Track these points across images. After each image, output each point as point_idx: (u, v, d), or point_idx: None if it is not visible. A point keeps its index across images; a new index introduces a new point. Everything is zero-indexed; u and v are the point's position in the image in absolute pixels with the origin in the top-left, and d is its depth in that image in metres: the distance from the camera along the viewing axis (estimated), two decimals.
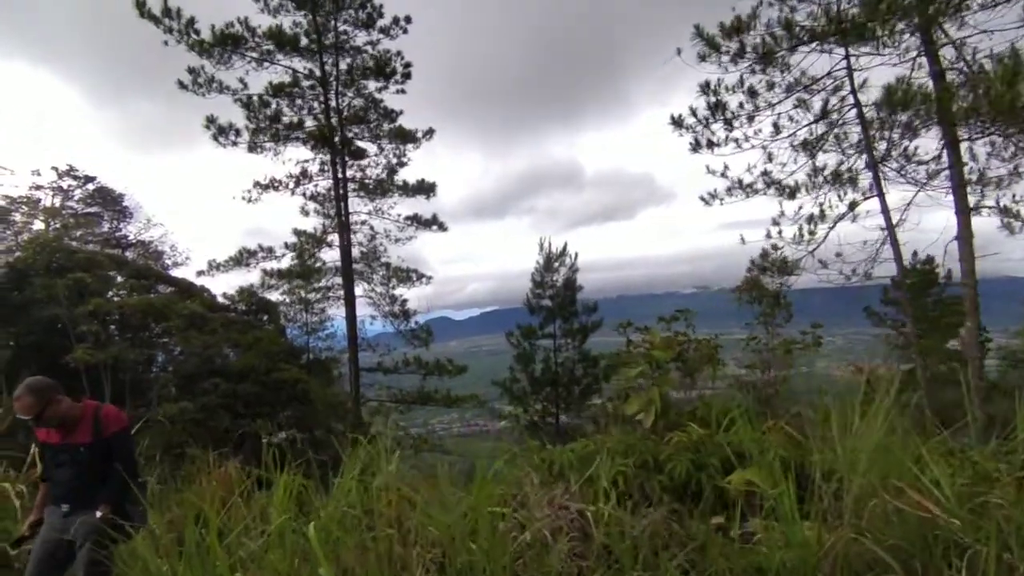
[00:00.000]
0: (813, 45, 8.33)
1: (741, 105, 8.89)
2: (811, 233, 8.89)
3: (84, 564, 3.01)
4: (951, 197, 8.42)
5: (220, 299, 21.28)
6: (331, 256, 18.19)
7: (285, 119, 16.11)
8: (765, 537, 2.69)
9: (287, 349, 21.02)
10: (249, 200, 16.95)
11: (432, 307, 19.35)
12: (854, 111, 8.54)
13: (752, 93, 8.86)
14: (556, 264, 17.99)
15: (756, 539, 3.10)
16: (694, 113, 8.99)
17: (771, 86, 8.72)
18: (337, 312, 20.19)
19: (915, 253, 17.50)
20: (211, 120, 15.15)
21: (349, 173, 17.79)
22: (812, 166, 8.89)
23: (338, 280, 18.75)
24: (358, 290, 17.76)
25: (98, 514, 3.05)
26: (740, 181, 9.25)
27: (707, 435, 4.75)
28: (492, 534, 2.80)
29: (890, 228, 8.33)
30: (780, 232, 9.37)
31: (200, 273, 16.88)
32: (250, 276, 18.74)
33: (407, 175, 18.25)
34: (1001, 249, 8.01)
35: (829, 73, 8.56)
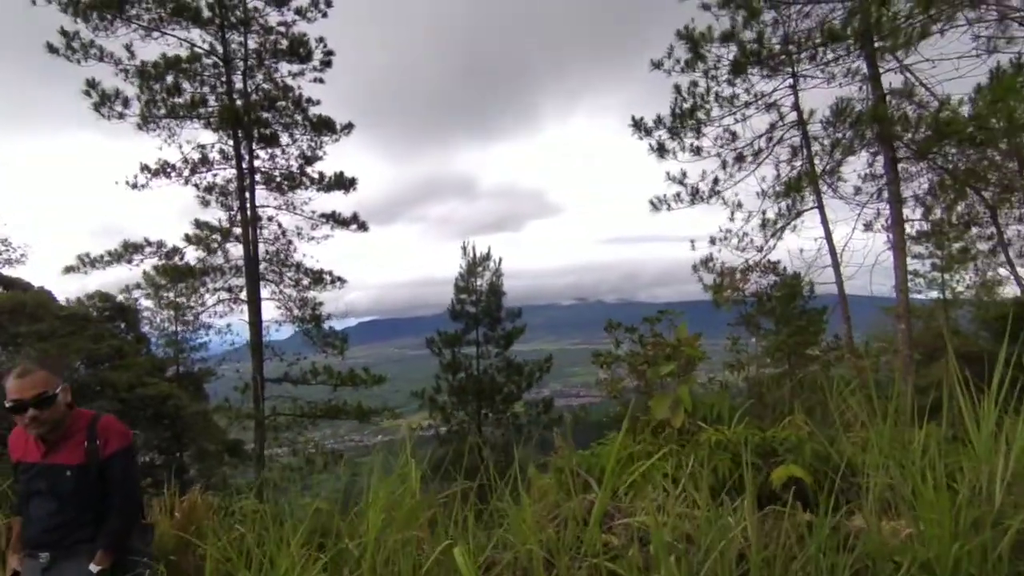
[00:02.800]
0: (762, 66, 8.83)
1: (692, 115, 9.19)
2: (762, 240, 9.37)
3: None
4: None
5: (64, 303, 18.29)
6: (232, 255, 16.35)
7: (186, 94, 14.24)
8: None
9: (151, 361, 18.59)
10: (135, 186, 14.72)
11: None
12: (796, 129, 9.17)
13: (702, 104, 9.20)
14: (480, 269, 17.62)
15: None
16: (659, 120, 9.16)
17: (729, 99, 9.12)
18: (233, 317, 18.19)
19: (784, 269, 19.69)
20: (92, 85, 12.89)
21: (256, 163, 16.15)
22: (756, 179, 9.42)
23: (236, 281, 16.89)
24: (264, 292, 16.09)
25: (93, 568, 2.14)
26: (692, 188, 9.55)
27: (735, 433, 4.61)
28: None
29: (829, 239, 9.01)
30: (725, 239, 9.84)
31: (70, 269, 14.30)
32: (131, 274, 16.30)
33: (321, 170, 16.97)
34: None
35: (773, 91, 9.15)
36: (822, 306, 20.87)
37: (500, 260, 17.83)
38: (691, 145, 9.44)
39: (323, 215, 16.61)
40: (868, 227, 10.58)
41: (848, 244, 8.93)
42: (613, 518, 2.95)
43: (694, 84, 9.52)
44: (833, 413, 4.63)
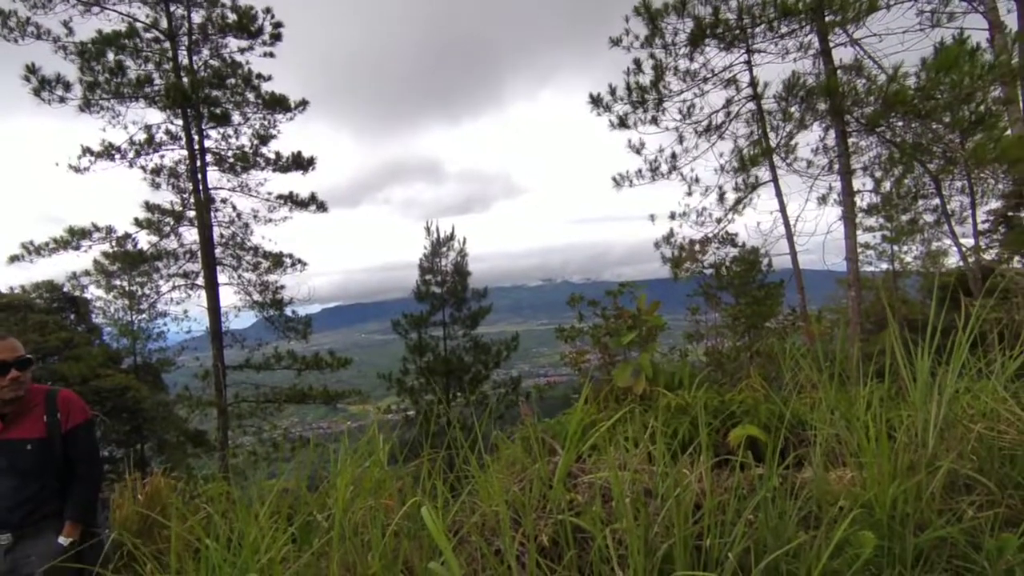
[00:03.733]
0: (718, 40, 8.94)
1: (653, 88, 9.28)
2: (721, 213, 9.60)
3: None
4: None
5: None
6: (186, 239, 15.80)
7: (129, 72, 13.56)
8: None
9: (105, 352, 18.03)
10: (78, 170, 14.01)
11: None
12: (753, 102, 9.36)
13: (660, 78, 9.29)
14: (444, 249, 17.51)
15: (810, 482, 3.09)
16: (613, 92, 9.23)
17: (689, 74, 9.23)
18: (190, 304, 17.64)
19: (743, 244, 20.41)
20: (32, 70, 12.20)
21: (207, 144, 15.56)
22: (714, 154, 9.60)
23: (191, 267, 16.33)
24: (222, 277, 15.64)
25: (63, 540, 2.11)
26: (652, 163, 9.68)
27: (693, 398, 4.77)
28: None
29: (783, 212, 9.28)
30: (684, 213, 10.04)
31: (15, 259, 13.58)
32: (80, 263, 15.61)
33: (277, 150, 16.46)
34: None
35: (730, 66, 9.29)
36: (779, 280, 21.73)
37: (464, 240, 17.80)
38: (651, 117, 9.56)
39: (280, 196, 16.18)
40: (822, 200, 10.96)
41: (801, 215, 9.29)
42: (577, 477, 3.04)
43: (652, 56, 9.61)
44: (786, 377, 4.86)
